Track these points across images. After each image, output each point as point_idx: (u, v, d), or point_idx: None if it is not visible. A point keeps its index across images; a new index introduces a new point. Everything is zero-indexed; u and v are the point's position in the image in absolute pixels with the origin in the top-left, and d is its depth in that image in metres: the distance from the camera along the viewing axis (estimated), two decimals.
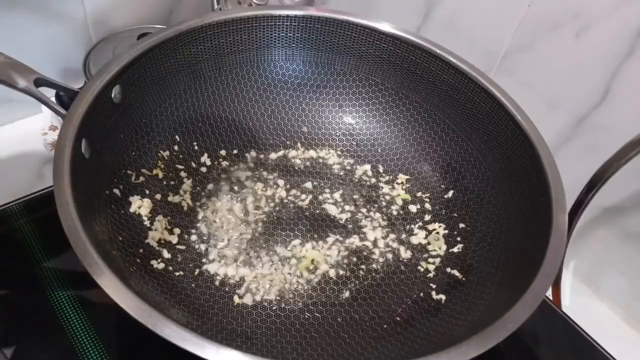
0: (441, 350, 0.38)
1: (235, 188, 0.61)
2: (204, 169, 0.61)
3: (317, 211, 0.61)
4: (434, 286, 0.54)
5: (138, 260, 0.50)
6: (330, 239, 0.58)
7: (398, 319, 0.51)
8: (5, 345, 0.48)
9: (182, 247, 0.54)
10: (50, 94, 0.51)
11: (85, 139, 0.48)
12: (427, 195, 0.62)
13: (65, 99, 0.56)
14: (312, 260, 0.55)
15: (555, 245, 0.45)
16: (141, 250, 0.51)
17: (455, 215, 0.59)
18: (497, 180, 0.57)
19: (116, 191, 0.53)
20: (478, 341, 0.38)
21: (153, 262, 0.51)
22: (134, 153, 0.56)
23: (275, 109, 0.67)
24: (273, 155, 0.65)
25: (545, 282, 0.43)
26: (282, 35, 0.64)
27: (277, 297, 0.52)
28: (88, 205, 0.45)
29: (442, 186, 0.62)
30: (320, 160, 0.66)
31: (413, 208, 0.61)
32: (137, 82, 0.55)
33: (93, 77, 0.51)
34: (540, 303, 0.41)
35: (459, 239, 0.57)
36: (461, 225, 0.58)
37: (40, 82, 0.50)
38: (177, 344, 0.35)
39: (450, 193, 0.61)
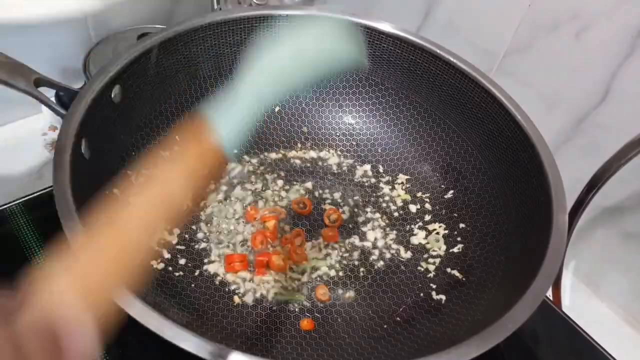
0: (441, 350, 0.38)
1: (235, 188, 0.61)
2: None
3: (317, 211, 0.60)
4: (434, 286, 0.54)
5: None
6: None
7: (398, 319, 0.51)
8: None
9: (182, 248, 0.54)
10: (50, 94, 0.51)
11: (85, 139, 0.48)
12: (427, 195, 0.62)
13: (65, 99, 0.56)
14: (313, 260, 0.55)
15: (555, 245, 0.45)
16: None
17: (455, 215, 0.59)
18: (497, 180, 0.57)
19: (116, 191, 0.53)
20: (478, 341, 0.38)
21: (153, 262, 0.51)
22: (133, 153, 0.56)
23: (275, 109, 0.67)
24: (273, 155, 0.65)
25: (545, 282, 0.43)
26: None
27: (277, 297, 0.52)
28: (88, 205, 0.45)
29: (442, 186, 0.62)
30: (320, 161, 0.66)
31: (413, 208, 0.61)
32: (137, 82, 0.55)
33: (93, 77, 0.51)
34: (540, 303, 0.41)
35: (459, 239, 0.57)
36: (461, 225, 0.58)
37: (40, 82, 0.50)
38: (177, 344, 0.35)
39: (450, 193, 0.61)
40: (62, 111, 0.49)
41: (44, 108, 0.59)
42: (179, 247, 0.54)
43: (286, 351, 0.48)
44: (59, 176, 0.43)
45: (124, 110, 0.54)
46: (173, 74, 0.59)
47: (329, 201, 0.62)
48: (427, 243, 0.58)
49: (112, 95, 0.52)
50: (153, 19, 0.77)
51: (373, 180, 0.64)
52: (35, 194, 0.60)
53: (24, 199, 0.59)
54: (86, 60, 0.67)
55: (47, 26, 0.68)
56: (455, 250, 0.57)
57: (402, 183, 0.64)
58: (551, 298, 0.62)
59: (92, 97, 0.49)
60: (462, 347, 0.38)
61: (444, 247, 0.57)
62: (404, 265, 0.57)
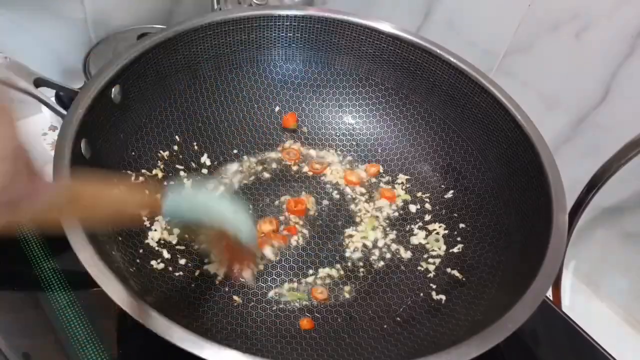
0: (441, 350, 0.38)
1: (235, 188, 0.61)
2: (204, 170, 0.61)
3: (317, 211, 0.60)
4: (434, 286, 0.54)
5: (138, 261, 0.50)
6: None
7: (398, 319, 0.51)
8: (5, 345, 0.48)
9: (182, 248, 0.54)
10: (50, 94, 0.51)
11: (85, 139, 0.48)
12: (427, 195, 0.62)
13: (65, 99, 0.56)
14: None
15: (555, 245, 0.45)
16: (141, 250, 0.51)
17: (455, 215, 0.59)
18: (497, 180, 0.57)
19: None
20: (478, 341, 0.38)
21: (153, 262, 0.51)
22: (133, 153, 0.56)
23: (275, 109, 0.67)
24: (273, 155, 0.65)
25: (545, 282, 0.43)
26: (282, 35, 0.64)
27: (277, 297, 0.52)
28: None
29: (442, 186, 0.62)
30: (320, 160, 0.66)
31: (413, 208, 0.61)
32: (137, 82, 0.55)
33: (93, 77, 0.51)
34: (540, 303, 0.41)
35: (459, 239, 0.57)
36: (461, 225, 0.58)
37: (40, 82, 0.50)
38: (177, 344, 0.35)
39: (450, 193, 0.61)
40: (62, 111, 0.49)
41: (44, 108, 0.59)
42: (179, 247, 0.54)
43: (286, 351, 0.48)
44: (59, 176, 0.43)
45: (124, 110, 0.54)
46: (173, 74, 0.59)
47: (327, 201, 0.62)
48: (427, 243, 0.58)
49: (112, 95, 0.52)
50: (153, 19, 0.77)
51: (373, 180, 0.64)
52: None
53: None
54: (86, 60, 0.67)
55: (47, 26, 0.68)
56: (455, 250, 0.57)
57: (402, 183, 0.64)
58: (551, 298, 0.62)
59: (92, 97, 0.49)
60: (462, 347, 0.38)
61: (444, 247, 0.57)
62: (404, 265, 0.56)
